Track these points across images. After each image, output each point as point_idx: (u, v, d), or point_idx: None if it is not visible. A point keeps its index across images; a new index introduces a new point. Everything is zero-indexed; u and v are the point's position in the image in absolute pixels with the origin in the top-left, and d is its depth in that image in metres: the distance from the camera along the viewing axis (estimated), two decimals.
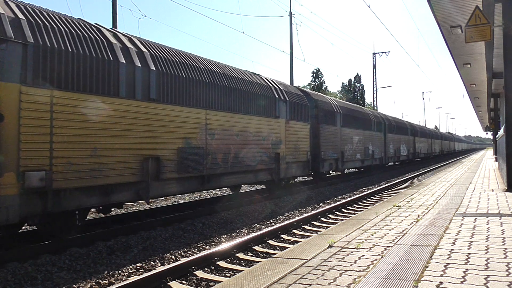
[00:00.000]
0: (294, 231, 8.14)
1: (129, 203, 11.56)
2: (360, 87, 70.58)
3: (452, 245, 4.31)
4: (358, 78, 70.95)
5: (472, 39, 9.23)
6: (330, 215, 9.90)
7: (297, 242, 7.00)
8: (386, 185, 15.96)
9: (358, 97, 68.59)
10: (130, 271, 5.65)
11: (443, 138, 57.05)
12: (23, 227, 7.64)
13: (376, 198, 12.99)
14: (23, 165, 5.67)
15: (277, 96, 12.52)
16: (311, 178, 17.61)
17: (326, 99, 17.65)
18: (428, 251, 4.10)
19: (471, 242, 4.44)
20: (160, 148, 8.01)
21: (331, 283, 3.23)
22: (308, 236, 7.27)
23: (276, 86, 13.01)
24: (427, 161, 41.11)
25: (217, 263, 5.85)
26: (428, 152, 41.92)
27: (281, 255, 4.36)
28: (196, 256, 5.77)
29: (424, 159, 41.45)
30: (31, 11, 6.40)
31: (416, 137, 34.92)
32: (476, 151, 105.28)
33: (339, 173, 20.02)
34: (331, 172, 19.19)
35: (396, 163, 32.03)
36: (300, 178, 18.39)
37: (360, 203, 11.94)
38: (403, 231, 5.17)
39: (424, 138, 39.56)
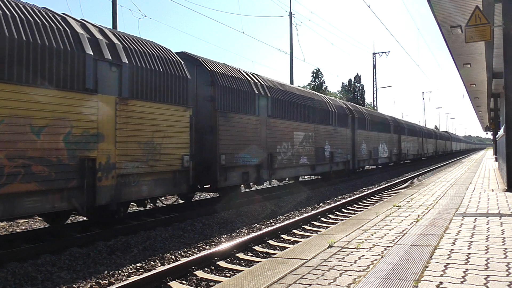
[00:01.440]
0: (294, 231, 8.14)
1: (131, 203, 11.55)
2: (360, 87, 70.57)
3: (452, 245, 4.31)
4: (358, 78, 70.95)
5: (472, 39, 9.23)
6: (330, 215, 9.90)
7: (297, 242, 7.00)
8: (386, 185, 15.96)
9: (358, 97, 68.58)
10: (130, 271, 5.65)
11: (438, 137, 51.25)
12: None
13: (376, 198, 12.99)
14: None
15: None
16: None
17: (237, 72, 11.54)
18: (428, 251, 4.10)
19: (471, 242, 4.44)
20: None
21: (331, 283, 3.23)
22: (308, 236, 7.27)
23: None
24: (418, 163, 35.64)
25: (217, 263, 5.85)
26: (419, 153, 36.78)
27: (281, 255, 4.36)
28: (196, 256, 5.77)
29: (414, 162, 36.47)
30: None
31: (402, 136, 29.82)
32: (476, 151, 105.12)
33: (263, 186, 15.06)
34: (251, 186, 13.03)
35: (373, 167, 27.24)
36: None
37: (360, 203, 11.94)
38: (403, 231, 5.17)
39: (413, 136, 34.44)
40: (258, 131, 11.77)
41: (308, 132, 14.93)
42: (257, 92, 11.83)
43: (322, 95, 18.49)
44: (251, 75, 12.43)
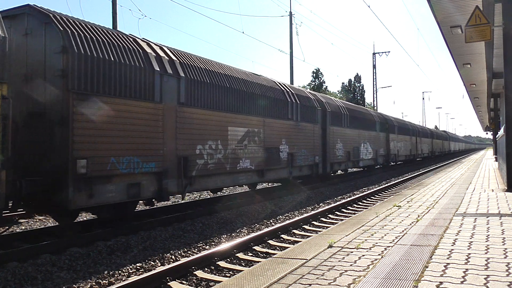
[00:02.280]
0: (294, 231, 8.14)
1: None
2: (360, 87, 70.56)
3: (452, 245, 4.31)
4: (358, 78, 70.94)
5: (472, 39, 9.23)
6: (330, 215, 9.90)
7: (297, 242, 7.00)
8: (386, 185, 15.96)
9: (358, 97, 68.58)
10: (130, 271, 5.65)
11: (435, 137, 47.35)
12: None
13: (376, 198, 12.99)
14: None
15: None
16: None
17: (116, 37, 7.99)
18: (428, 251, 4.10)
19: (471, 242, 4.44)
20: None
21: (331, 283, 3.23)
22: (308, 236, 7.27)
23: None
24: (411, 165, 33.10)
25: (217, 263, 5.85)
26: (412, 153, 33.21)
27: (281, 255, 4.36)
28: (196, 256, 5.77)
29: (407, 164, 33.42)
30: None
31: (391, 134, 26.37)
32: (476, 151, 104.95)
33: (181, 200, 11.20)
34: (154, 203, 9.01)
35: (352, 170, 23.19)
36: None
37: (360, 203, 11.94)
38: (403, 231, 5.17)
39: (405, 135, 30.85)
40: (160, 125, 8.25)
41: (253, 127, 11.33)
42: (158, 68, 8.33)
43: (280, 82, 14.18)
44: (149, 44, 8.76)
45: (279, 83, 13.95)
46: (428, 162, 38.85)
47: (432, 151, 44.48)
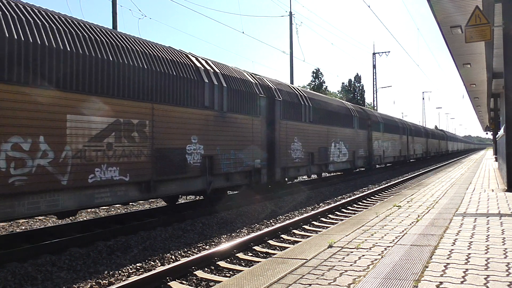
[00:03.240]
0: (294, 231, 8.14)
1: (131, 203, 11.57)
2: (360, 87, 70.57)
3: (452, 245, 4.31)
4: (358, 78, 70.95)
5: (472, 39, 9.23)
6: (330, 215, 9.90)
7: (297, 242, 7.00)
8: (386, 185, 15.96)
9: (358, 97, 68.58)
10: (130, 271, 5.65)
11: (430, 136, 43.33)
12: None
13: (376, 198, 12.99)
14: None
15: None
16: None
17: None
18: (428, 251, 4.10)
19: (471, 242, 4.44)
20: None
21: (331, 283, 3.23)
22: (308, 236, 7.27)
23: None
24: (400, 168, 28.44)
25: (217, 263, 5.85)
26: (402, 154, 29.50)
27: (281, 255, 4.36)
28: (196, 256, 5.77)
29: (396, 166, 29.29)
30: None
31: (374, 132, 22.74)
32: (476, 151, 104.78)
33: None
34: None
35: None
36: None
37: (360, 203, 11.94)
38: (403, 231, 5.17)
39: (394, 134, 27.30)
40: None
41: (127, 118, 7.66)
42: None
43: (194, 55, 10.21)
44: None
45: (191, 56, 9.91)
46: (421, 164, 35.14)
47: (427, 152, 40.84)
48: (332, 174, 19.88)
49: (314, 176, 19.05)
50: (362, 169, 22.72)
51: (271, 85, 12.99)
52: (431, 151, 43.60)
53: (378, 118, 24.53)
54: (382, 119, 25.70)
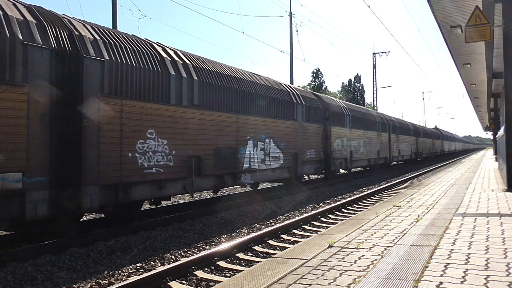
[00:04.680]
0: (294, 231, 8.14)
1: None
2: (360, 87, 70.55)
3: (452, 245, 4.31)
4: (358, 78, 70.93)
5: (472, 39, 9.23)
6: (330, 215, 9.90)
7: (297, 242, 7.00)
8: (386, 185, 15.96)
9: (358, 97, 68.58)
10: (130, 271, 5.65)
11: (421, 134, 37.39)
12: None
13: (376, 198, 12.99)
14: None
15: None
16: None
17: None
18: (428, 251, 4.10)
19: (471, 242, 4.44)
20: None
21: (331, 283, 3.23)
22: (308, 236, 7.27)
23: None
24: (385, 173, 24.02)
25: (217, 263, 5.85)
26: (381, 156, 23.97)
27: (281, 255, 4.36)
28: (196, 256, 5.77)
29: (373, 170, 24.02)
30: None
31: (334, 128, 17.20)
32: (475, 151, 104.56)
33: None
34: None
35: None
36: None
37: (360, 203, 11.94)
38: (403, 231, 5.17)
39: (369, 131, 22.00)
40: None
41: None
42: None
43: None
44: None
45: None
46: (407, 168, 29.72)
47: (417, 152, 34.94)
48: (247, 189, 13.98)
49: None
50: (316, 176, 18.05)
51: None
52: (423, 152, 37.58)
53: (342, 109, 18.56)
54: (350, 110, 19.65)
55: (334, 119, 17.27)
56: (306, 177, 17.76)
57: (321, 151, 15.84)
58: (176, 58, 9.11)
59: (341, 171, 19.57)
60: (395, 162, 30.30)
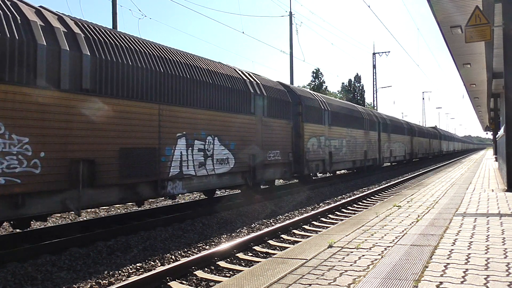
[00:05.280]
0: (294, 231, 8.14)
1: (129, 203, 11.57)
2: (360, 87, 70.57)
3: (452, 245, 4.31)
4: (358, 78, 70.95)
5: (472, 39, 9.23)
6: (330, 215, 9.90)
7: (297, 242, 7.00)
8: (386, 185, 15.95)
9: (358, 97, 68.58)
10: (130, 271, 5.65)
11: (416, 134, 35.08)
12: None
13: (376, 198, 12.99)
14: None
15: None
16: None
17: None
18: (428, 251, 4.10)
19: (471, 242, 4.44)
20: None
21: (331, 283, 3.22)
22: (308, 236, 7.27)
23: None
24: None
25: (217, 263, 5.85)
26: (369, 158, 21.86)
27: (281, 255, 4.36)
28: (196, 256, 5.77)
29: (357, 174, 21.73)
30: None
31: (308, 124, 14.74)
32: (475, 151, 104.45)
33: None
34: None
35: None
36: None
37: (360, 203, 11.94)
38: (403, 231, 5.17)
39: (350, 129, 19.31)
40: None
41: None
42: None
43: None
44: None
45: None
46: (406, 168, 28.00)
47: (412, 153, 32.67)
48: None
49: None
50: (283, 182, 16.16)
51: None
52: (418, 152, 35.33)
53: (319, 104, 16.22)
54: (329, 105, 17.26)
55: (309, 115, 14.98)
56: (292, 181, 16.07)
57: (290, 152, 13.48)
58: (56, 25, 6.68)
59: (319, 175, 16.73)
60: (389, 164, 28.66)
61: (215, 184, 10.21)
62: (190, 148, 9.19)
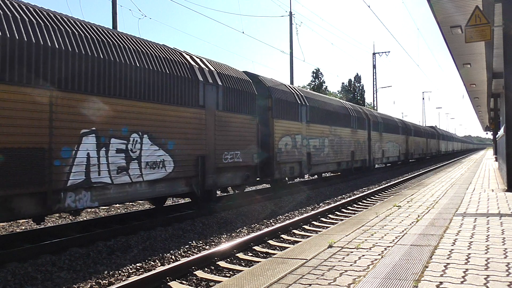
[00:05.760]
0: (294, 231, 8.14)
1: (129, 203, 11.56)
2: (360, 87, 70.60)
3: (452, 245, 4.31)
4: (358, 78, 70.98)
5: (472, 39, 9.23)
6: (330, 215, 9.90)
7: (297, 242, 7.00)
8: (386, 185, 15.95)
9: (358, 97, 68.60)
10: (130, 271, 5.65)
11: (412, 133, 33.18)
12: None
13: (376, 198, 12.99)
14: None
15: None
16: None
17: None
18: (428, 251, 4.10)
19: (471, 242, 4.44)
20: None
21: (331, 283, 3.22)
22: (308, 236, 7.27)
23: None
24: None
25: (217, 263, 5.85)
26: (357, 159, 20.07)
27: (281, 255, 4.36)
28: (196, 256, 5.77)
29: (343, 177, 19.24)
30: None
31: (279, 120, 12.84)
32: (475, 151, 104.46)
33: None
34: None
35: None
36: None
37: (360, 203, 11.94)
38: (403, 231, 5.17)
39: (335, 126, 17.37)
40: None
41: None
42: None
43: None
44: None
45: None
46: (399, 171, 25.64)
47: (407, 154, 30.72)
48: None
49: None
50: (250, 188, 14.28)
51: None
52: (414, 153, 33.33)
53: (295, 98, 14.30)
54: (308, 100, 15.33)
55: (281, 110, 13.04)
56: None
57: (255, 152, 11.58)
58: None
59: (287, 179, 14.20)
60: (383, 165, 26.95)
61: (144, 194, 8.07)
62: (104, 149, 7.15)
